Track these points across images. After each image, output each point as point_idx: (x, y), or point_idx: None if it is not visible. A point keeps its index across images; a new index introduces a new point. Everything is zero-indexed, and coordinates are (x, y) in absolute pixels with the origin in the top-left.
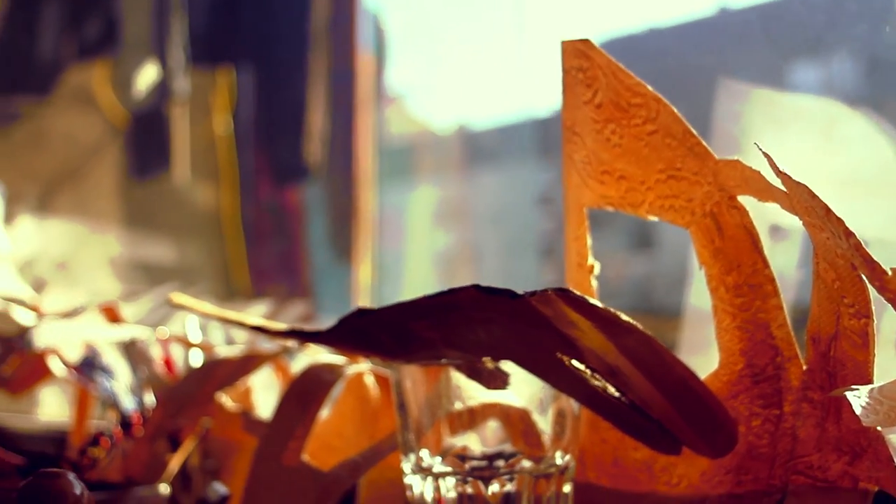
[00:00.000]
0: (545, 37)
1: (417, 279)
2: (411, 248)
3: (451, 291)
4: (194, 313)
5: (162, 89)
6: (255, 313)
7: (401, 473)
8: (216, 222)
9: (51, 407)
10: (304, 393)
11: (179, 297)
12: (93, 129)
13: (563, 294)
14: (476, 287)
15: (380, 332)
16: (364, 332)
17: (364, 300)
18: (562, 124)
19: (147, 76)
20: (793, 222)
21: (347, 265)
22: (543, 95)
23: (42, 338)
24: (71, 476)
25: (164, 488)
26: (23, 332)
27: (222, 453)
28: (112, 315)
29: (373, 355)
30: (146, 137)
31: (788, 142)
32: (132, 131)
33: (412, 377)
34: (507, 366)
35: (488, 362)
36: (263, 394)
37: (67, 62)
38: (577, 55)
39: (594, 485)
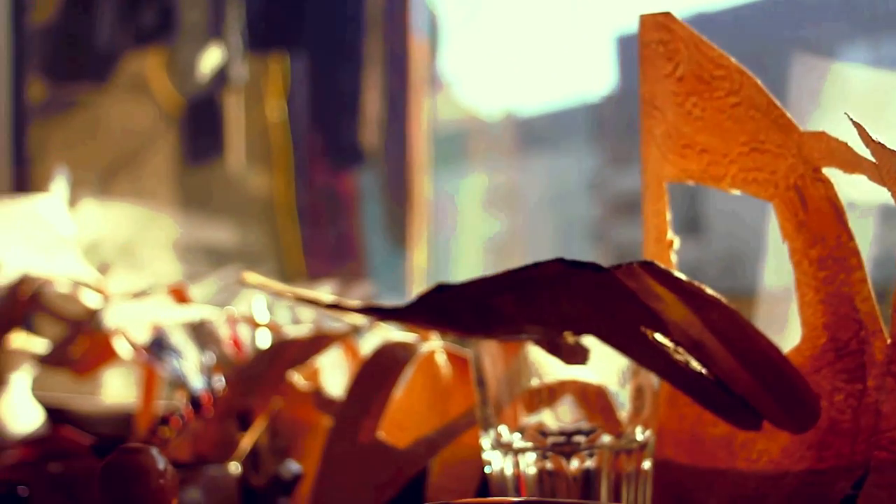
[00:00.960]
0: (596, 21)
1: (470, 265)
2: (463, 235)
3: (535, 265)
4: (267, 292)
5: (218, 76)
6: (322, 294)
7: (472, 452)
8: (270, 208)
9: (114, 389)
10: (379, 371)
11: (252, 277)
12: (148, 116)
13: (649, 267)
14: (560, 260)
15: (460, 307)
16: (444, 308)
17: (419, 285)
18: (640, 98)
19: (203, 63)
20: (868, 199)
21: (402, 250)
22: (594, 81)
23: (111, 319)
24: (154, 451)
25: (234, 467)
26: (90, 315)
27: (291, 433)
28: (180, 296)
29: (451, 332)
30: (201, 124)
31: (862, 117)
32: (187, 117)
33: (491, 353)
34: (588, 341)
35: (569, 337)
36: (332, 374)
37: (124, 50)
38: (658, 28)
39: (672, 461)
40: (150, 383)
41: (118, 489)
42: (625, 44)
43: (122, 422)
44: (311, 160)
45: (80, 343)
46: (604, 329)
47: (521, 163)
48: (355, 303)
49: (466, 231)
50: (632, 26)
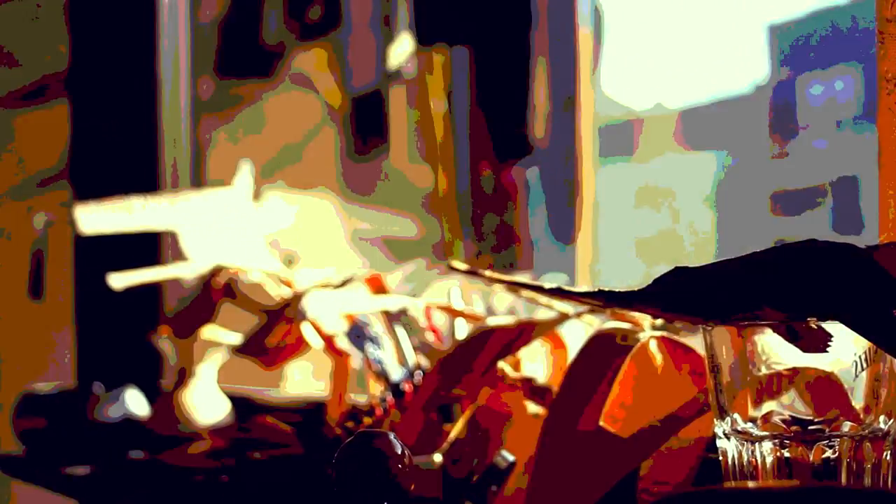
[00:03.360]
0: (749, 10)
1: (629, 260)
2: (619, 229)
3: (785, 247)
4: (479, 279)
5: (384, 70)
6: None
7: (683, 442)
8: (434, 201)
9: (294, 380)
10: (598, 358)
11: (459, 263)
12: (313, 110)
13: None
14: (814, 241)
15: (697, 291)
16: (680, 292)
17: (584, 279)
18: (879, 76)
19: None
20: None
21: (567, 245)
22: (748, 72)
23: (311, 308)
24: (392, 436)
25: (437, 458)
26: (282, 305)
27: (490, 423)
28: (377, 286)
29: (687, 317)
30: (366, 117)
31: None
32: (352, 112)
33: (725, 339)
34: (831, 327)
35: (813, 322)
36: (531, 363)
37: (290, 45)
38: None
39: None
40: (342, 373)
41: (358, 473)
42: (776, 33)
43: (308, 411)
44: (475, 153)
45: (277, 332)
46: (852, 313)
47: (677, 156)
48: (582, 288)
49: (627, 224)
50: (785, 16)
